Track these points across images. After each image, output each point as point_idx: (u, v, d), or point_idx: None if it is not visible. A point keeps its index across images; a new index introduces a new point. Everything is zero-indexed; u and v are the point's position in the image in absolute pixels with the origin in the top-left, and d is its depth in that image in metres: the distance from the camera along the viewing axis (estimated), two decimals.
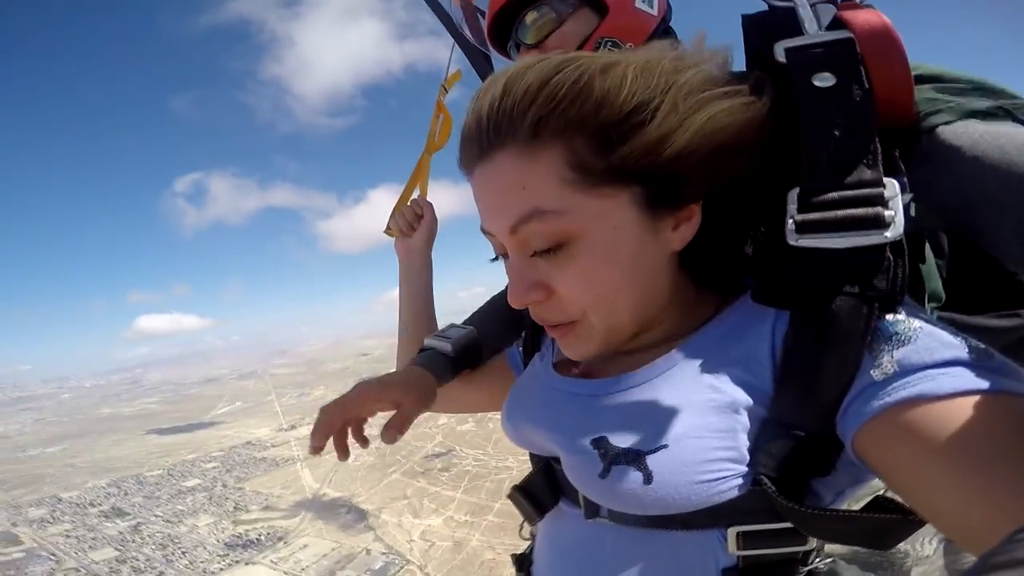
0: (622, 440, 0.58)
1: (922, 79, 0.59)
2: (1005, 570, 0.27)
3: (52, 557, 45.90)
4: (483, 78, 1.41)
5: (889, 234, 0.49)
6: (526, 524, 0.83)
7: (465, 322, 1.08)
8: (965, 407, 0.43)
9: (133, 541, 50.82)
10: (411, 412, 0.81)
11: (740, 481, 0.53)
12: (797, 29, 0.56)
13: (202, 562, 47.96)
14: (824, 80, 0.53)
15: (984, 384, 0.43)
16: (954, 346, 0.47)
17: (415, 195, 1.28)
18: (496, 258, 0.69)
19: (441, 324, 1.13)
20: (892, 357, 0.48)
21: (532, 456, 0.78)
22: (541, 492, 0.73)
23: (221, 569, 46.74)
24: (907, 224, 0.50)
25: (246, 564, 47.44)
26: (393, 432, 0.76)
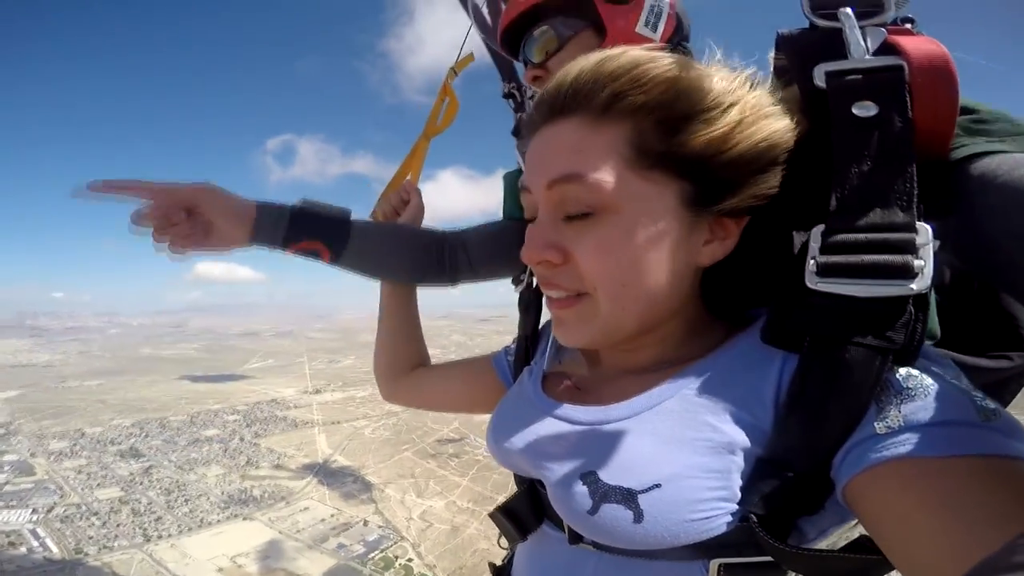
0: (613, 477, 0.56)
1: (960, 112, 0.54)
2: (1006, 573, 0.27)
3: (59, 491, 47.94)
4: (501, 69, 1.36)
5: (915, 286, 0.46)
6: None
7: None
8: (963, 469, 0.42)
9: (140, 483, 52.34)
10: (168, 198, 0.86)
11: (729, 519, 0.53)
12: (839, 51, 0.52)
13: (201, 512, 48.95)
14: (866, 109, 0.49)
15: (986, 447, 0.43)
16: (962, 406, 0.46)
17: (407, 181, 1.25)
18: (531, 220, 0.68)
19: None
20: (899, 412, 0.47)
21: (516, 476, 0.76)
22: (524, 515, 0.73)
23: (218, 520, 47.64)
24: (934, 275, 0.47)
25: (243, 519, 48.21)
26: (140, 220, 0.85)
